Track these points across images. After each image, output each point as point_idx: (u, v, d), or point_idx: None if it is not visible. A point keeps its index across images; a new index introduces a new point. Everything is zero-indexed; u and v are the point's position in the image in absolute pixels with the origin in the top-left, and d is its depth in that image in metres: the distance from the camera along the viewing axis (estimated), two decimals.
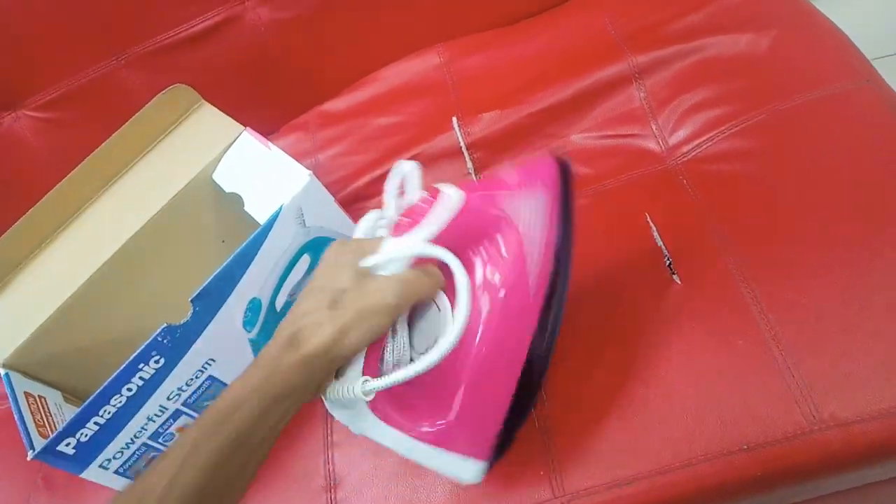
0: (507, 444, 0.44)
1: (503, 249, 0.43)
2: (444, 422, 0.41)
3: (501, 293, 0.42)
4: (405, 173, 0.43)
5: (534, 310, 0.43)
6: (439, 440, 0.41)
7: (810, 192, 0.56)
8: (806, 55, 0.66)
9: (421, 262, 0.41)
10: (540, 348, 0.43)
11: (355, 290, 0.39)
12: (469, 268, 0.42)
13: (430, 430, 0.41)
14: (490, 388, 0.42)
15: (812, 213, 0.55)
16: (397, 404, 0.42)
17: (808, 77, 0.63)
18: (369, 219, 0.44)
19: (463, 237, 0.42)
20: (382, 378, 0.39)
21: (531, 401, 0.43)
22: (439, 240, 0.41)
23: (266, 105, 0.87)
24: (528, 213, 0.43)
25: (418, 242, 0.40)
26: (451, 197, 0.42)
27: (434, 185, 0.44)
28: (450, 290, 0.42)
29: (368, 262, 0.40)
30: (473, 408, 0.41)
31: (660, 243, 0.58)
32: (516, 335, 0.43)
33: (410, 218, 0.42)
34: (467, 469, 0.42)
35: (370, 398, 0.39)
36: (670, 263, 0.56)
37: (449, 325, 0.40)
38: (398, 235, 0.41)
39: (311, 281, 0.42)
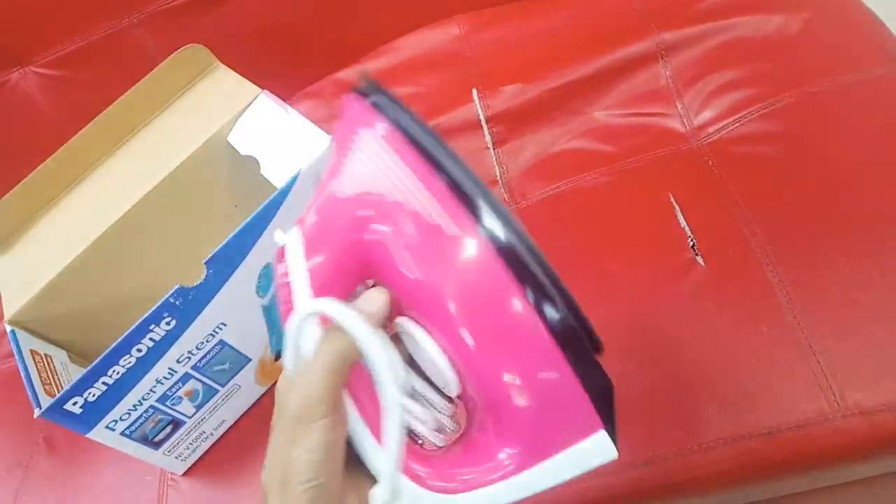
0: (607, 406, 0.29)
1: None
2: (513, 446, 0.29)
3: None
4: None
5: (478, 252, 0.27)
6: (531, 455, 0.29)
7: (839, 178, 0.55)
8: (838, 38, 0.64)
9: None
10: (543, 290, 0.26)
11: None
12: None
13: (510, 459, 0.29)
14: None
15: (841, 198, 0.54)
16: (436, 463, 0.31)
17: (840, 60, 0.62)
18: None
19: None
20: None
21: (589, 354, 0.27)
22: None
23: (280, 71, 0.85)
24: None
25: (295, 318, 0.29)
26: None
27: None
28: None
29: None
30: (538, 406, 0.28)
31: (683, 224, 0.56)
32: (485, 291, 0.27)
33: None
34: (593, 449, 0.28)
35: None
36: (694, 245, 0.55)
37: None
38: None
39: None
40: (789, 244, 0.53)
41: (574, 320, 0.27)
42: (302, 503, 0.27)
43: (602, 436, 0.28)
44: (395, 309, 0.30)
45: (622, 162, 0.64)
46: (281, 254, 0.31)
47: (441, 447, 0.32)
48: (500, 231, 0.26)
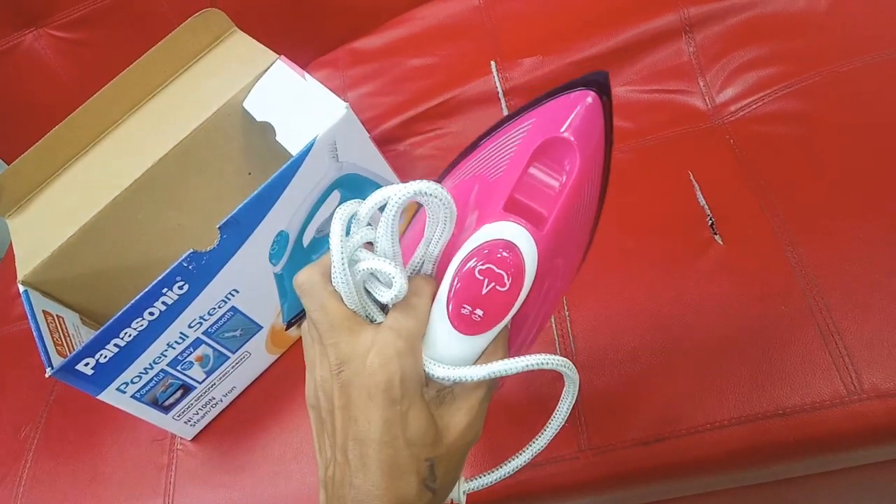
0: None
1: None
2: None
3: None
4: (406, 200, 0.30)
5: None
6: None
7: (865, 160, 0.54)
8: (868, 15, 0.62)
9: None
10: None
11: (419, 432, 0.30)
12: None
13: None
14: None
15: (865, 180, 0.53)
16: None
17: (870, 38, 0.60)
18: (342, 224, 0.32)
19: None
20: (485, 476, 0.37)
21: None
22: None
23: (294, 39, 0.84)
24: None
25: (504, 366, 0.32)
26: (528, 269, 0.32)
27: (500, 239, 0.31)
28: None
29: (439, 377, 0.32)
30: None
31: (702, 202, 0.56)
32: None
33: (482, 311, 0.32)
34: None
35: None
36: (713, 223, 0.54)
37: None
38: (468, 333, 0.32)
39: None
40: (810, 225, 0.52)
41: None
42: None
43: None
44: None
45: (641, 139, 0.63)
46: None
47: None
48: None
